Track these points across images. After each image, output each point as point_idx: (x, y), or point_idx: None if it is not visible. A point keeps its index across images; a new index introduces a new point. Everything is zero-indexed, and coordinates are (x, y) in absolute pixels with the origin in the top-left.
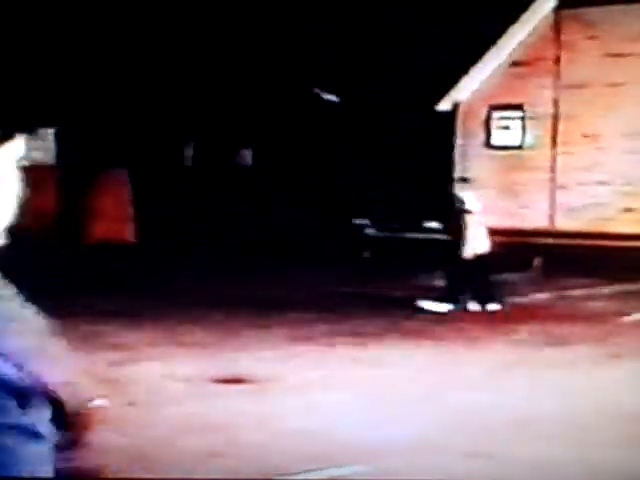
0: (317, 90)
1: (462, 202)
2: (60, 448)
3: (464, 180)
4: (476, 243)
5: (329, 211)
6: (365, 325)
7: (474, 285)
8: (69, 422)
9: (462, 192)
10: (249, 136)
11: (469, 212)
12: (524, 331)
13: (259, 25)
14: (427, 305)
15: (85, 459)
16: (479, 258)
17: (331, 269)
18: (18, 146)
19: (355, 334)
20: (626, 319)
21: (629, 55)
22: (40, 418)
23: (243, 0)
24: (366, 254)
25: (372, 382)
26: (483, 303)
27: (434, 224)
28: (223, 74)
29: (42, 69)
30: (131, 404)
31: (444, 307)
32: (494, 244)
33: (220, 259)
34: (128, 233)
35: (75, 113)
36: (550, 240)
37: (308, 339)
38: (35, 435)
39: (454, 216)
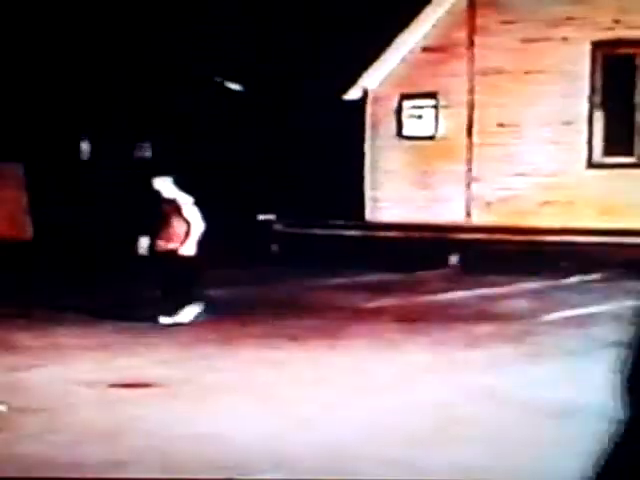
0: (219, 79)
1: (161, 193)
2: None
3: None
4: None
5: (233, 206)
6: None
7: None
8: None
9: (162, 182)
10: (148, 128)
11: (168, 202)
12: (441, 331)
13: (154, 14)
14: (167, 320)
15: None
16: (179, 260)
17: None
18: None
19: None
20: (545, 318)
21: (547, 40)
22: None
23: None
24: (274, 249)
25: (282, 386)
26: (169, 313)
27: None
28: (119, 64)
29: None
30: (31, 410)
31: (185, 316)
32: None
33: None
34: (24, 230)
35: None
36: (467, 235)
37: (214, 341)
38: None
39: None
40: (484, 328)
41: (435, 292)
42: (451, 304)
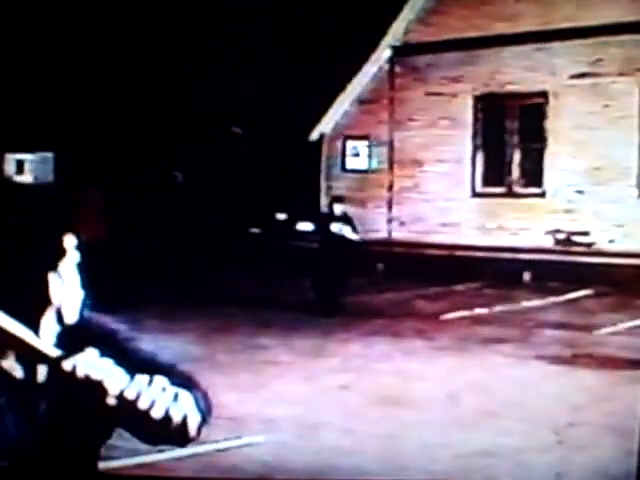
0: (233, 127)
1: None
2: None
3: (338, 199)
4: None
5: (234, 219)
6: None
7: None
8: None
9: None
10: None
11: None
12: (368, 327)
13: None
14: None
15: None
16: None
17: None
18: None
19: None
20: (446, 316)
21: (444, 94)
22: None
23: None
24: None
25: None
26: None
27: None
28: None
29: None
30: None
31: None
32: None
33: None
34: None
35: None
36: (389, 248)
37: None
38: None
39: None
40: (401, 324)
41: (367, 294)
42: (379, 303)
